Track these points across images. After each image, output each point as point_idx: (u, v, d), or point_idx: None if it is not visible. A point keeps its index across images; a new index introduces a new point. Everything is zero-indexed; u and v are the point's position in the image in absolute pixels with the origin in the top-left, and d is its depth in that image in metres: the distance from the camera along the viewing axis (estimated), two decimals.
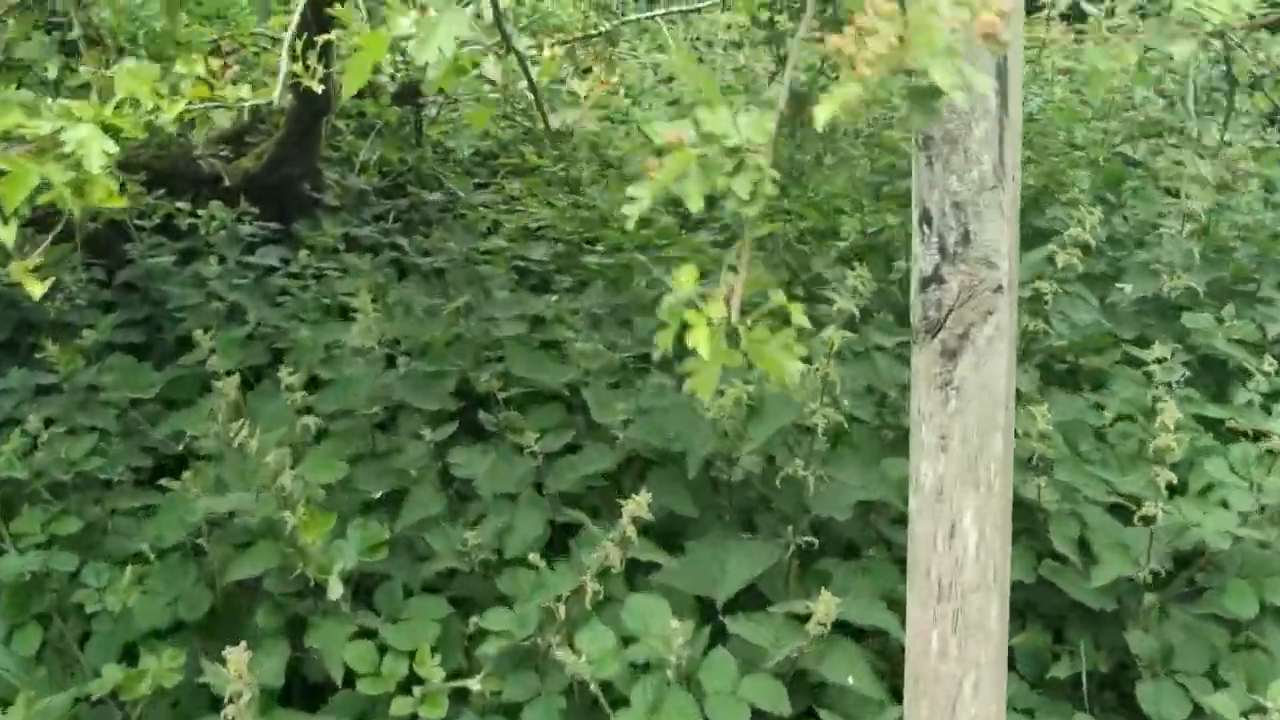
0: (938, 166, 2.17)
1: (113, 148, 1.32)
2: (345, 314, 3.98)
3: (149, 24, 4.80)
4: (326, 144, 5.42)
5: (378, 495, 2.86)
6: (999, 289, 2.16)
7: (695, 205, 0.97)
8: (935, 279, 2.20)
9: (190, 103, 1.46)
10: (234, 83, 1.50)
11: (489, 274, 4.22)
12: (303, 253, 4.33)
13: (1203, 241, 3.68)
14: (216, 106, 1.52)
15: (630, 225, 1.06)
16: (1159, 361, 3.07)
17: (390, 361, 3.40)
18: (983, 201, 2.15)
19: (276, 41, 4.44)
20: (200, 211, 4.30)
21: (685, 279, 1.05)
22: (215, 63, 1.51)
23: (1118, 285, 3.48)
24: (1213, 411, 3.22)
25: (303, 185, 4.90)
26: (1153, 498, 2.52)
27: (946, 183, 2.17)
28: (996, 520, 2.03)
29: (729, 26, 5.22)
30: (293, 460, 2.48)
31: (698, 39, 6.44)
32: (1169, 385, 3.08)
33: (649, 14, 5.65)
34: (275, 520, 2.44)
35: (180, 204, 4.31)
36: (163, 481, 2.79)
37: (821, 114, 0.87)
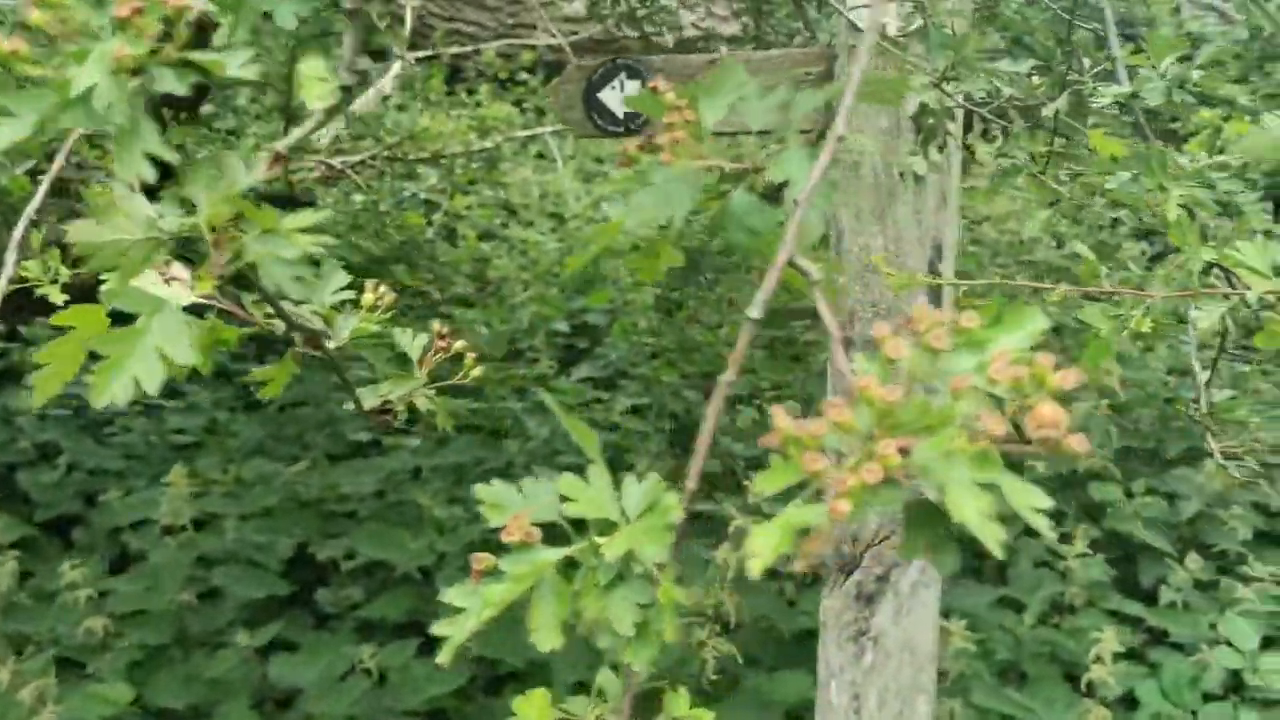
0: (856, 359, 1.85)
1: None
2: (182, 450, 3.50)
3: None
4: None
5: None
6: None
7: (546, 645, 0.59)
8: None
9: None
10: None
11: (341, 416, 3.78)
12: None
13: (1109, 416, 3.48)
14: None
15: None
16: (1079, 556, 2.81)
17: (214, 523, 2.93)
18: None
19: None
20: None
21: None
22: None
23: (1029, 464, 3.22)
24: (1131, 609, 2.97)
25: None
26: None
27: None
28: None
29: None
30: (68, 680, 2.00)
31: (593, 157, 6.17)
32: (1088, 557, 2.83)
33: (534, 131, 5.36)
34: None
35: None
36: None
37: (755, 566, 0.51)
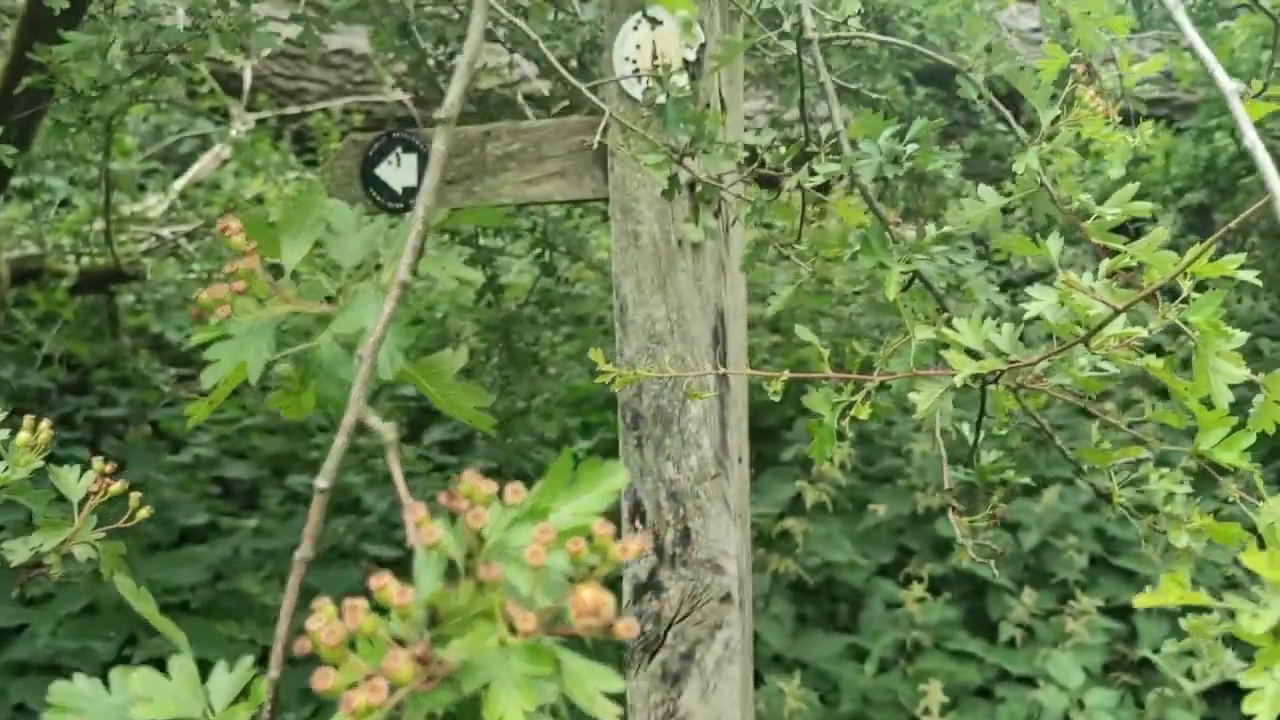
0: (649, 450, 1.81)
1: None
2: None
3: None
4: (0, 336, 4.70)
5: None
6: (727, 598, 1.80)
7: None
8: (652, 586, 1.81)
9: None
10: None
11: (173, 500, 3.61)
12: None
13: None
14: None
15: None
16: (919, 600, 2.81)
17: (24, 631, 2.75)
18: (704, 492, 1.80)
19: None
20: None
21: None
22: None
23: (870, 507, 3.22)
24: (975, 648, 2.98)
25: None
26: None
27: (661, 469, 1.81)
28: None
29: None
30: None
31: None
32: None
33: None
34: None
35: None
36: None
37: None
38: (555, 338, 3.63)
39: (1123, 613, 3.18)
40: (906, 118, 2.65)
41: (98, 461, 0.91)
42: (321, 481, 0.58)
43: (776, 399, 1.05)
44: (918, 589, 2.85)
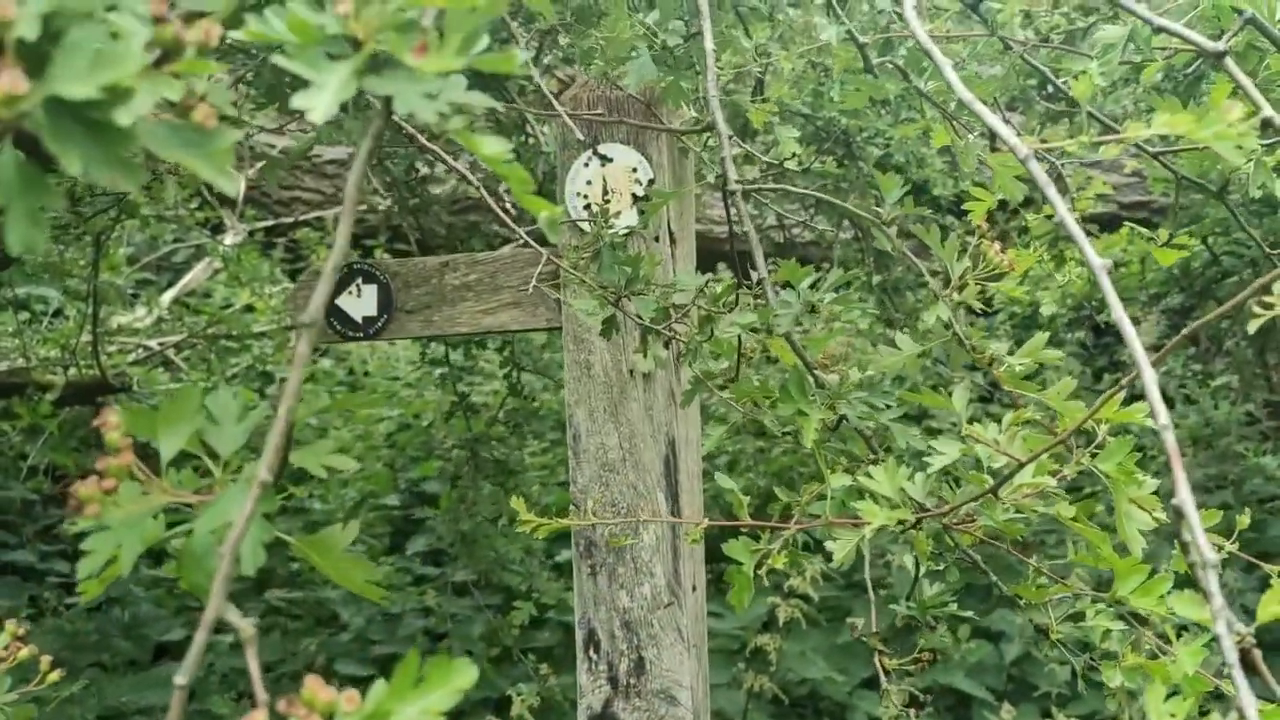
0: (602, 578, 1.81)
1: None
2: None
3: None
4: None
5: None
6: None
7: None
8: (606, 717, 1.80)
9: None
10: None
11: (148, 615, 3.59)
12: None
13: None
14: None
15: None
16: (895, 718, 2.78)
17: None
18: (658, 622, 1.80)
19: None
20: None
21: None
22: None
23: (848, 621, 3.20)
24: None
25: None
26: None
27: (614, 598, 1.81)
28: None
29: None
30: None
31: None
32: None
33: None
34: None
35: None
36: None
37: None
38: (526, 454, 3.64)
39: None
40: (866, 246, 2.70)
41: (10, 624, 0.92)
42: (180, 678, 0.59)
43: (697, 546, 1.06)
44: (894, 706, 2.81)
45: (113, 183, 0.45)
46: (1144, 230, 1.58)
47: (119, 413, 0.65)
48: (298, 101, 0.51)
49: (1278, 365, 4.84)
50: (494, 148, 0.60)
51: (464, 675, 0.57)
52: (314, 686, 0.53)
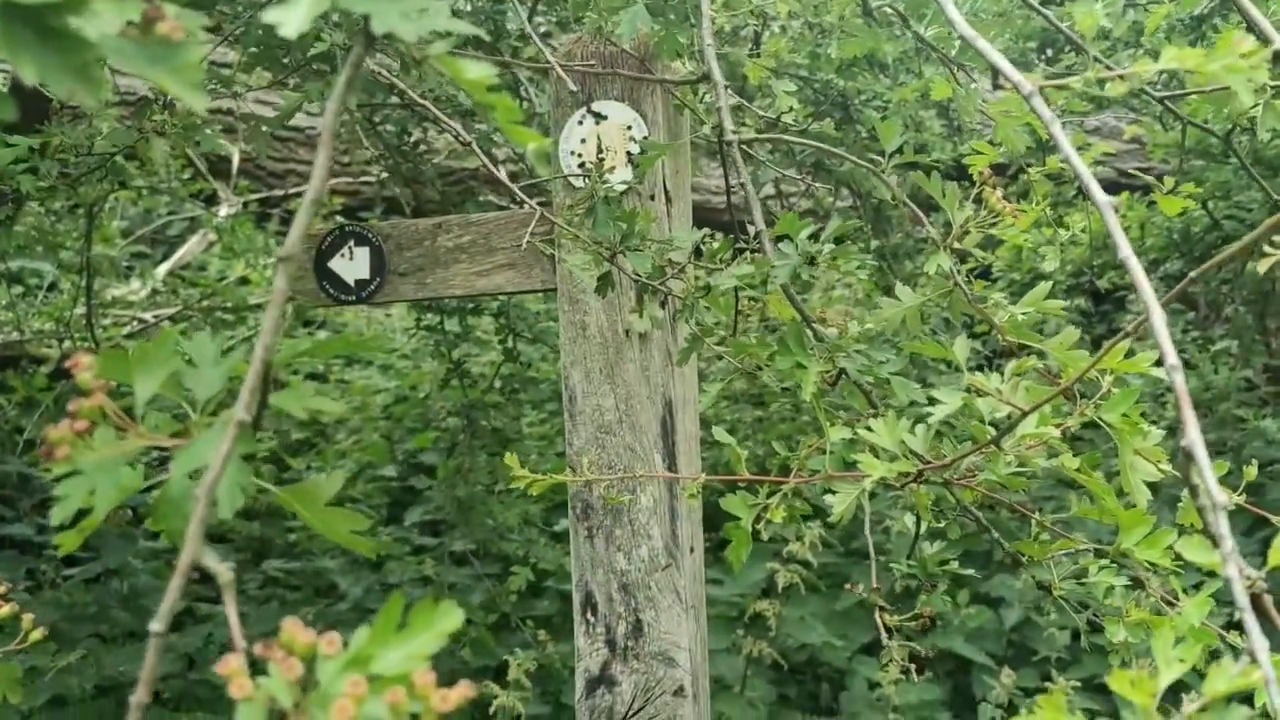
0: (599, 541, 1.80)
1: None
2: None
3: None
4: None
5: None
6: (680, 691, 1.77)
7: None
8: (604, 680, 1.79)
9: None
10: None
11: (147, 587, 3.58)
12: None
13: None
14: None
15: None
16: (895, 683, 2.78)
17: None
18: (655, 584, 1.78)
19: None
20: None
21: None
22: None
23: (847, 586, 3.19)
24: None
25: None
26: None
27: (612, 561, 1.80)
28: None
29: None
30: None
31: None
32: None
33: None
34: None
35: None
36: None
37: None
38: (524, 424, 3.62)
39: (1105, 690, 3.14)
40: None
41: None
42: (156, 625, 0.57)
43: (695, 502, 1.04)
44: (894, 670, 2.81)
45: (70, 94, 0.42)
46: (1148, 179, 1.55)
47: (91, 356, 0.63)
48: (271, 15, 0.49)
49: (1277, 330, 4.82)
50: (477, 73, 0.57)
51: (448, 618, 0.55)
52: (293, 629, 0.51)
